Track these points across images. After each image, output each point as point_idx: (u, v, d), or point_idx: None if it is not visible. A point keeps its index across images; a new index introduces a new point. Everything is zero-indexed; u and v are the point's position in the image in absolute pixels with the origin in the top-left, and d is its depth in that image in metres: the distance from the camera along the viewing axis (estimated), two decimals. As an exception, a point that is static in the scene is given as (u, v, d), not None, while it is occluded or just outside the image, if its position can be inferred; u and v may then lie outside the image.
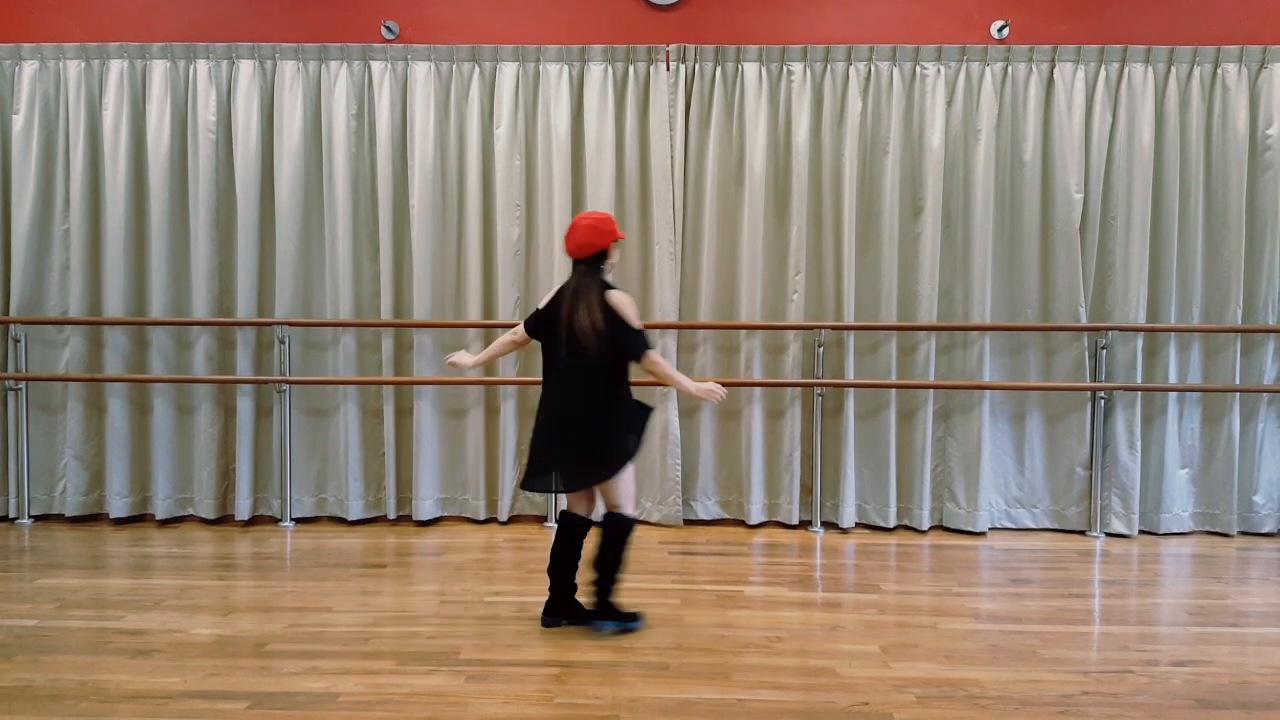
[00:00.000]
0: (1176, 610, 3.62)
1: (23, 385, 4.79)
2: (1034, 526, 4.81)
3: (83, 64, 4.75)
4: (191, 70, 4.75)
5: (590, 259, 3.23)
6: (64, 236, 4.79)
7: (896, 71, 4.67)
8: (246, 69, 4.73)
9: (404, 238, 4.80)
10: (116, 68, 4.74)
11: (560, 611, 3.35)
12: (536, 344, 3.39)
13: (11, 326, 4.78)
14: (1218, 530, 4.76)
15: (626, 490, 3.28)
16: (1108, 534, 4.73)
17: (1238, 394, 4.71)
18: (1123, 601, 3.73)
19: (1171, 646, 3.22)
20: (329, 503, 4.87)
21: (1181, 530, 4.76)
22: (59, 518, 4.89)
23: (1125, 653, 3.15)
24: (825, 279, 4.77)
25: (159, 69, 4.73)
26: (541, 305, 3.34)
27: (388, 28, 4.80)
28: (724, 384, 4.68)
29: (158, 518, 4.81)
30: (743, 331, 4.77)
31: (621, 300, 3.20)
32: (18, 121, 4.76)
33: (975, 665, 3.03)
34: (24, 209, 4.75)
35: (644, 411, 3.36)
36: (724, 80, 4.73)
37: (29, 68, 4.76)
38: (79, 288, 4.77)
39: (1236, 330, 4.66)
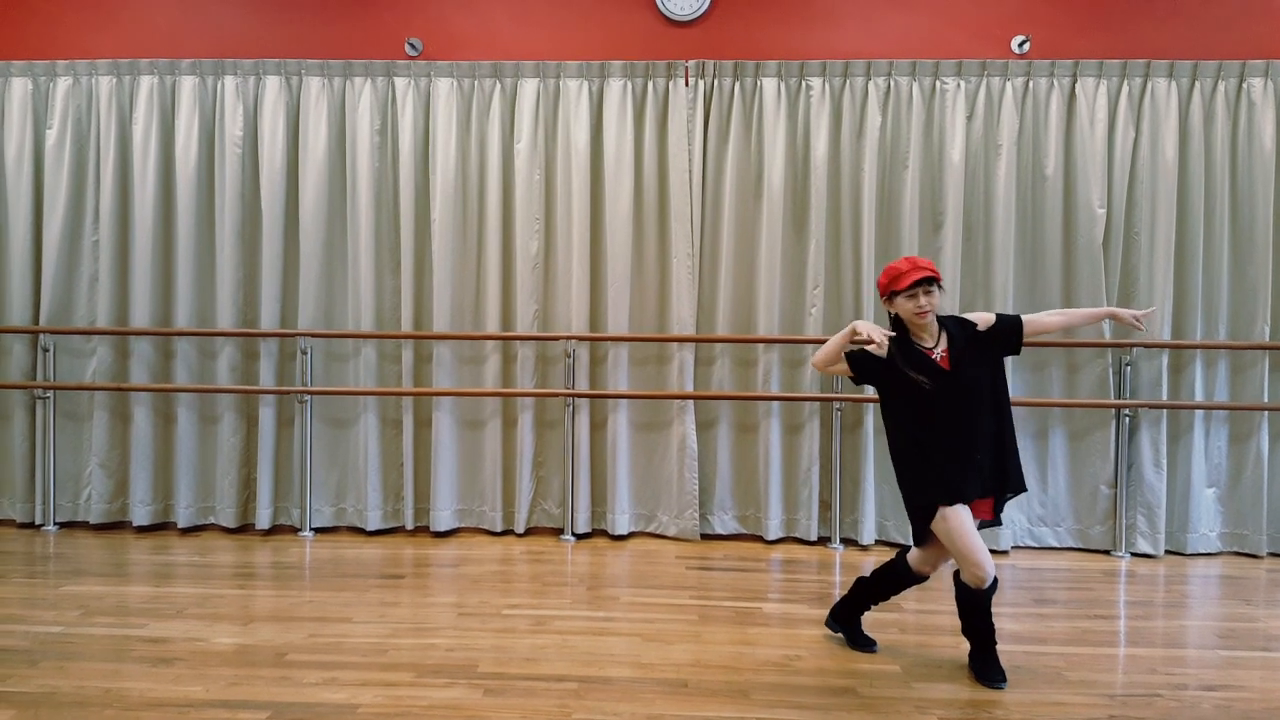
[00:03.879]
0: (1205, 633, 3.55)
1: (50, 394, 4.87)
2: (1057, 546, 4.75)
3: (114, 80, 4.85)
4: (219, 86, 4.83)
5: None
6: (93, 248, 4.88)
7: (916, 86, 4.67)
8: (273, 85, 4.80)
9: (425, 251, 4.84)
10: (147, 84, 4.83)
11: (841, 619, 3.34)
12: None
13: (41, 336, 4.86)
14: (1246, 551, 4.68)
15: (950, 545, 2.92)
16: (1133, 554, 4.66)
17: (1266, 412, 4.64)
18: (1149, 623, 3.66)
19: (1200, 670, 3.15)
20: (348, 513, 4.90)
21: (1209, 551, 4.68)
22: (83, 525, 4.95)
23: (1153, 676, 3.09)
24: (844, 292, 4.76)
25: (188, 85, 4.82)
26: None
27: (411, 44, 4.85)
28: (741, 398, 4.75)
29: (179, 526, 4.87)
30: (761, 345, 4.76)
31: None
32: (51, 136, 4.86)
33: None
34: (55, 221, 4.84)
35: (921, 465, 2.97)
36: (742, 95, 4.75)
37: (62, 84, 4.86)
38: (107, 298, 4.85)
39: (1264, 347, 4.60)
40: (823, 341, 4.64)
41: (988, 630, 3.04)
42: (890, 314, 3.04)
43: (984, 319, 3.05)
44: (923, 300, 2.91)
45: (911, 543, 3.12)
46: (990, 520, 3.10)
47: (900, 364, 2.97)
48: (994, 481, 2.99)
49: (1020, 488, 3.04)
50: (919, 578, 3.16)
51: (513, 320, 4.84)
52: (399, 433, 4.87)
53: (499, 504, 4.85)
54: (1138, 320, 3.06)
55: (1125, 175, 4.63)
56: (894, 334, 2.99)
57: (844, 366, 3.09)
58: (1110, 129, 4.64)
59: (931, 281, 2.92)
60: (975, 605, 2.99)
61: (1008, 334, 3.01)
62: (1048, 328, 3.06)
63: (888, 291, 2.98)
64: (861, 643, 3.30)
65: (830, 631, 3.43)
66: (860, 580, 3.30)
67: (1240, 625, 3.63)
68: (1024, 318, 3.04)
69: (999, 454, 2.98)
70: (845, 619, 3.34)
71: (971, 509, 2.99)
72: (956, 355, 2.96)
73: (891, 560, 3.23)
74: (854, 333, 2.98)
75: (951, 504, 2.91)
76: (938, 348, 2.98)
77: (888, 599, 3.29)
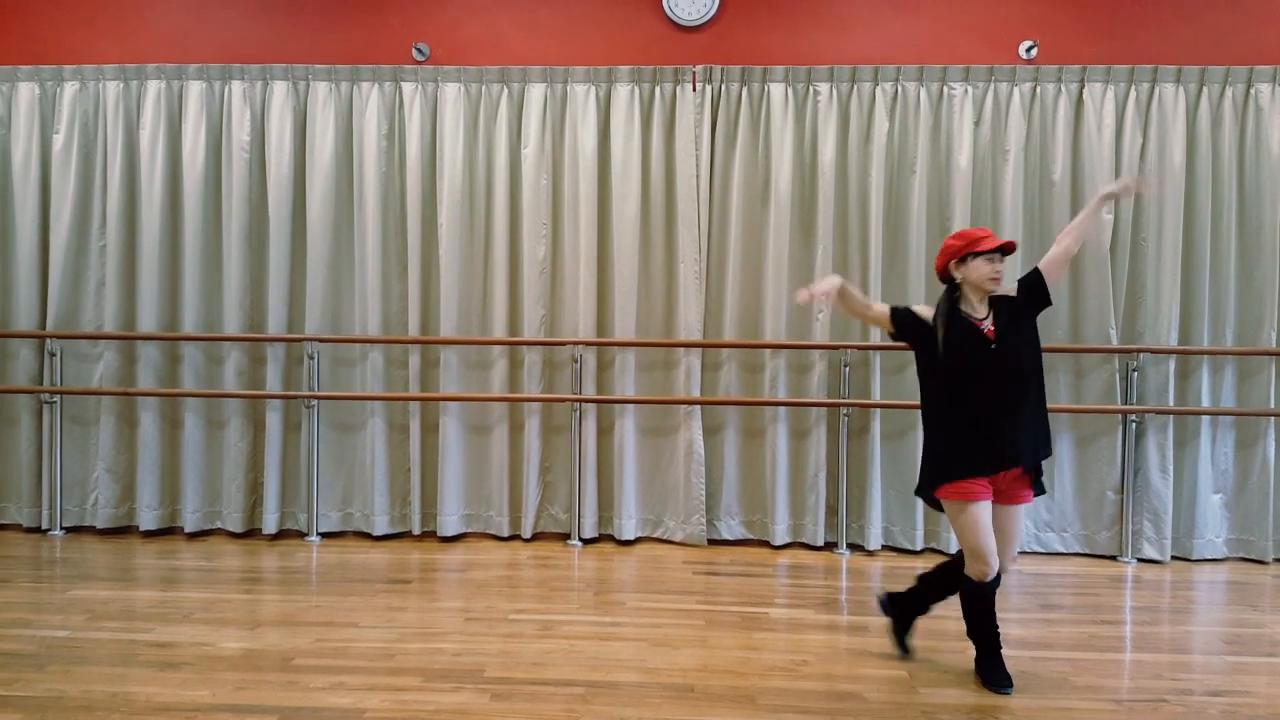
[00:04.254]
0: (1211, 638, 3.55)
1: (57, 398, 4.88)
2: (1064, 551, 4.74)
3: (121, 85, 4.86)
4: (226, 91, 4.85)
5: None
6: (100, 253, 4.89)
7: (924, 91, 4.67)
8: (280, 90, 4.82)
9: (432, 256, 4.85)
10: (154, 88, 4.85)
11: (898, 607, 3.29)
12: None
13: (48, 340, 4.87)
14: (1252, 557, 4.67)
15: (961, 536, 2.96)
16: (1139, 559, 4.65)
17: (1273, 418, 4.63)
18: (1155, 629, 3.65)
19: (1206, 676, 3.15)
20: (354, 518, 4.90)
21: (1215, 556, 4.68)
22: (90, 529, 4.96)
23: (1159, 681, 3.09)
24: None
25: (195, 89, 4.83)
26: None
27: (418, 49, 4.87)
28: (748, 403, 4.75)
29: (186, 531, 4.87)
30: (768, 350, 4.76)
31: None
32: (58, 141, 4.88)
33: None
34: (62, 226, 4.85)
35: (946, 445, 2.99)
36: (750, 100, 4.75)
37: (70, 88, 4.88)
38: (114, 303, 4.86)
39: (1271, 353, 4.59)
40: (832, 347, 4.68)
41: (993, 634, 3.05)
42: (953, 278, 3.03)
43: (1012, 287, 3.10)
44: (999, 265, 2.97)
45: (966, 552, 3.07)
46: (1032, 495, 3.06)
47: (936, 327, 2.98)
48: (1029, 452, 2.96)
49: (1049, 450, 3.03)
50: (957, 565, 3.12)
51: (520, 325, 4.84)
52: (406, 438, 4.87)
53: (506, 509, 4.85)
54: (1128, 185, 3.05)
55: (1132, 181, 4.63)
56: (831, 292, 3.02)
57: (884, 318, 3.07)
58: (1118, 135, 4.64)
59: (1007, 250, 3.00)
60: (977, 598, 3.00)
61: (1034, 288, 3.05)
62: (1062, 256, 3.05)
63: (964, 254, 2.98)
64: (901, 643, 3.27)
65: (880, 612, 3.36)
66: (923, 576, 3.25)
67: (1246, 631, 3.63)
68: (1039, 264, 3.07)
69: (1034, 423, 2.98)
70: (900, 613, 3.29)
71: (1013, 494, 2.99)
72: (1001, 328, 2.98)
73: (954, 556, 3.18)
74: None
75: (968, 477, 2.92)
76: (986, 319, 3.00)
77: (952, 593, 3.18)
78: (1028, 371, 2.97)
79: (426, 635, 3.43)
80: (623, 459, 4.79)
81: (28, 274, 4.89)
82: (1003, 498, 2.99)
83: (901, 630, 3.31)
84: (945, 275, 3.07)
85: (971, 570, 2.97)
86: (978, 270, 2.97)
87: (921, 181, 4.66)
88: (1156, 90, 4.62)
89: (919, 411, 4.59)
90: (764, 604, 3.88)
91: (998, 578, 2.98)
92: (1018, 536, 3.05)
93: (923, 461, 3.08)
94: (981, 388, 2.94)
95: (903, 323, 3.07)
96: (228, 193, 4.83)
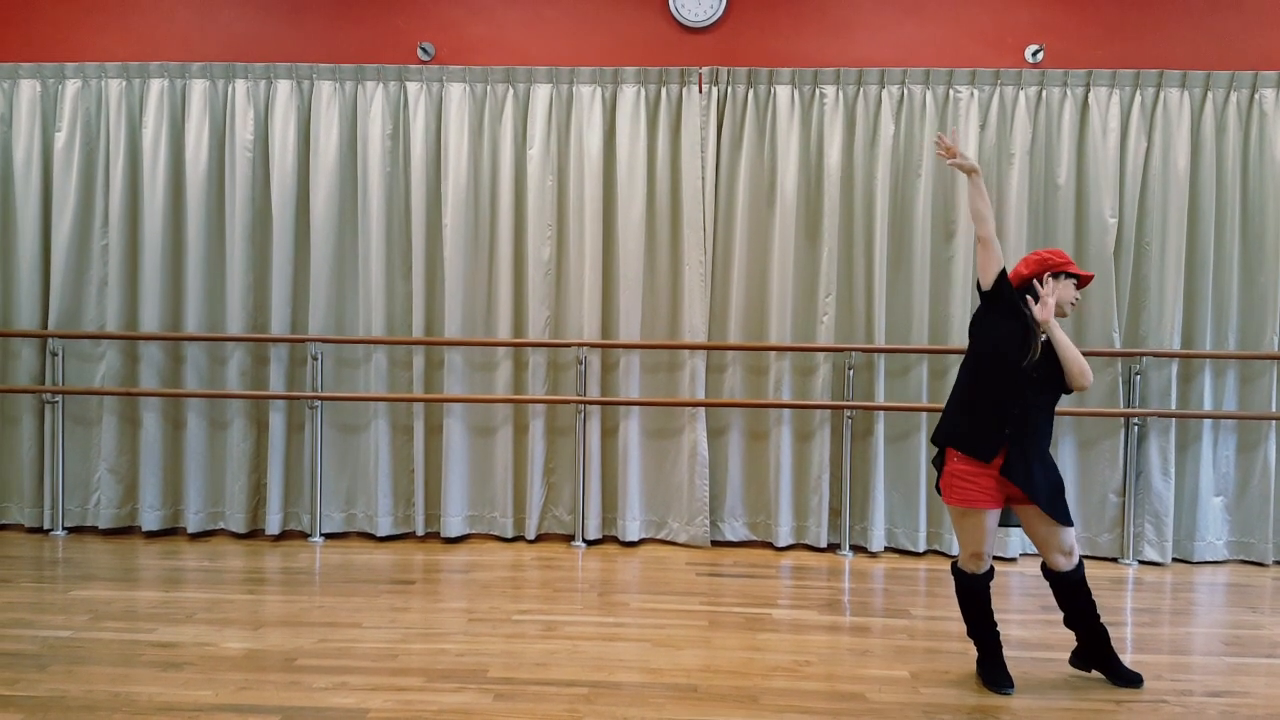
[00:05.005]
0: (1211, 640, 3.56)
1: (59, 398, 4.87)
2: (1066, 553, 4.75)
3: (124, 83, 4.86)
4: (230, 90, 4.84)
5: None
6: (102, 252, 4.88)
7: (929, 94, 4.68)
8: (284, 89, 4.82)
9: (436, 256, 4.85)
10: (157, 87, 4.84)
11: (1095, 662, 3.15)
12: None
13: (49, 340, 4.87)
14: (1253, 559, 4.68)
15: (961, 539, 3.07)
16: (1140, 562, 4.66)
17: (1274, 421, 4.64)
18: (1156, 630, 3.66)
19: (1206, 677, 3.16)
20: (358, 518, 4.90)
21: (1216, 559, 4.69)
22: (92, 530, 4.95)
23: (1159, 682, 3.10)
24: (856, 301, 4.76)
25: (198, 88, 4.83)
26: None
27: (424, 49, 4.87)
28: (752, 406, 4.75)
29: (189, 531, 4.86)
30: (772, 353, 4.76)
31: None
32: (60, 139, 4.87)
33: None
34: (64, 224, 4.84)
35: (953, 428, 3.07)
36: (756, 102, 4.76)
37: (72, 86, 4.87)
38: (116, 303, 4.85)
39: (1273, 357, 4.60)
40: (836, 350, 4.68)
41: (993, 635, 3.09)
42: (1034, 282, 3.01)
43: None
44: (1077, 294, 3.09)
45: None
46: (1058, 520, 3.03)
47: (1033, 330, 2.99)
48: (1022, 471, 2.94)
49: (1046, 502, 2.97)
50: (1054, 575, 3.08)
51: (524, 326, 4.84)
52: (410, 439, 4.87)
53: (510, 510, 4.85)
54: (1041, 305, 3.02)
55: (1137, 185, 4.64)
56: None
57: (992, 259, 3.01)
58: (1122, 139, 4.65)
59: (1085, 282, 3.12)
60: (969, 590, 3.06)
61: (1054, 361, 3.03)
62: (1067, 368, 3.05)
63: (1061, 271, 3.02)
64: (1124, 674, 3.10)
65: (1082, 672, 3.22)
66: (1068, 623, 3.16)
67: (1246, 632, 3.64)
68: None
69: (1041, 461, 2.99)
70: (1101, 659, 3.15)
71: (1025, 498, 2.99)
72: (1044, 349, 3.00)
73: (1052, 582, 3.12)
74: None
75: (966, 454, 2.98)
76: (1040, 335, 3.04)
77: (1093, 606, 3.11)
78: (1048, 397, 3.02)
79: (430, 636, 3.43)
80: (627, 461, 4.79)
81: (29, 273, 4.88)
82: (1020, 500, 3.01)
83: (1119, 669, 3.12)
84: (1028, 281, 3.05)
85: (965, 565, 3.06)
86: (1068, 291, 3.04)
87: (927, 185, 4.66)
88: (1161, 95, 4.63)
89: (922, 414, 4.67)
90: (767, 605, 3.89)
91: (990, 571, 3.06)
92: (1052, 534, 3.01)
93: (946, 410, 3.12)
94: (1013, 386, 2.98)
95: (1003, 283, 3.02)
96: (231, 192, 4.82)
